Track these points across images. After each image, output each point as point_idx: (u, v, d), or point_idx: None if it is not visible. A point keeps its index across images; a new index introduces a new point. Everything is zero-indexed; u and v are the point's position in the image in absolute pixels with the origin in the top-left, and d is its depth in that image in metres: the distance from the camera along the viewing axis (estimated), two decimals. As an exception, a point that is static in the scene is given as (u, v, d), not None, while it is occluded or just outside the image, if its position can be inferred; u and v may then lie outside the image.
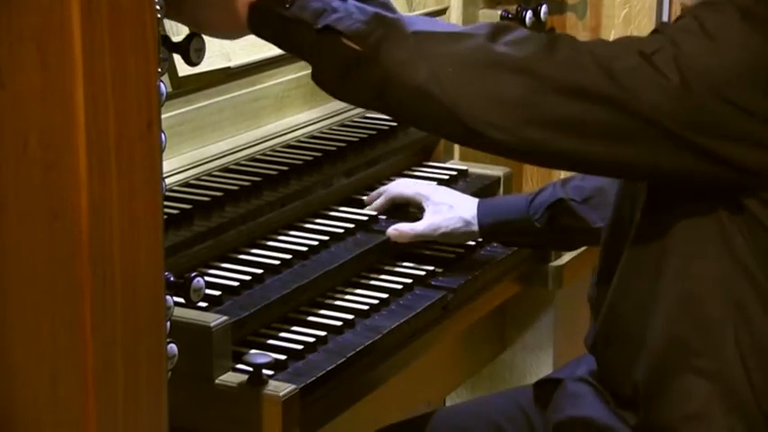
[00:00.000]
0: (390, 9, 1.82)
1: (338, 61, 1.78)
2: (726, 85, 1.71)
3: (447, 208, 2.32)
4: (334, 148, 2.57)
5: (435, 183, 2.49)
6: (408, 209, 2.42)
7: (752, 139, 1.73)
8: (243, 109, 2.48)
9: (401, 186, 2.42)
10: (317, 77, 1.85)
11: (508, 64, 1.75)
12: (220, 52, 2.23)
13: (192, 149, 2.25)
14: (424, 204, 2.33)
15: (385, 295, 2.21)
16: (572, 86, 1.73)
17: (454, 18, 2.86)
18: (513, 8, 2.93)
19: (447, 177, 2.63)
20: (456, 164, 2.77)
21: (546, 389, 2.10)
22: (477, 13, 2.91)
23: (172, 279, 1.70)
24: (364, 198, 2.50)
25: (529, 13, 2.93)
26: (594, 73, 1.73)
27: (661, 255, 1.84)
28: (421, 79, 1.75)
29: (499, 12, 2.91)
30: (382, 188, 2.48)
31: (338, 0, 1.80)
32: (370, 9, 1.79)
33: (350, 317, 2.14)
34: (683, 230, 1.82)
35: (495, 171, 2.71)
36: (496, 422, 2.14)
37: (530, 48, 1.75)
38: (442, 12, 2.80)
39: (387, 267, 2.34)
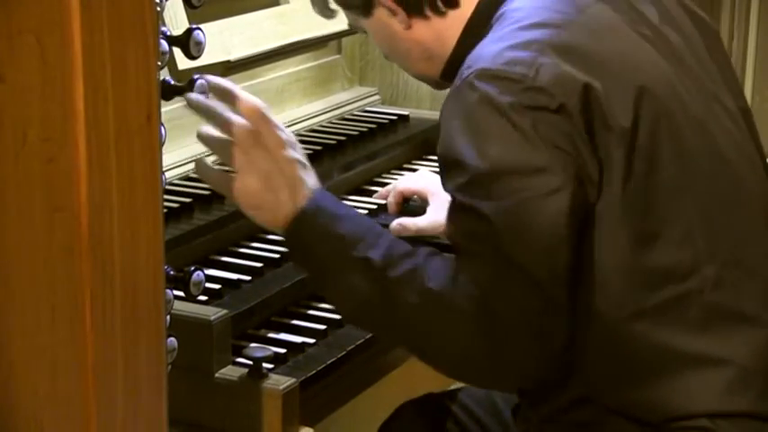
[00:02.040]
0: None
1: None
2: None
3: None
4: (333, 142, 2.57)
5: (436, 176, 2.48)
6: (411, 199, 2.41)
7: None
8: (242, 102, 2.47)
9: (410, 181, 2.41)
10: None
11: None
12: (220, 46, 2.22)
13: (192, 143, 2.24)
14: (430, 199, 2.32)
15: (385, 289, 2.20)
16: None
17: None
18: None
19: (447, 171, 2.63)
20: (456, 157, 2.76)
21: None
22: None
23: (172, 272, 1.70)
24: (375, 192, 2.50)
25: None
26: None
27: None
28: None
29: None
30: (392, 186, 2.47)
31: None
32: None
33: (350, 310, 2.13)
34: None
35: (496, 165, 2.70)
36: (495, 402, 2.15)
37: None
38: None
39: (387, 261, 2.33)
